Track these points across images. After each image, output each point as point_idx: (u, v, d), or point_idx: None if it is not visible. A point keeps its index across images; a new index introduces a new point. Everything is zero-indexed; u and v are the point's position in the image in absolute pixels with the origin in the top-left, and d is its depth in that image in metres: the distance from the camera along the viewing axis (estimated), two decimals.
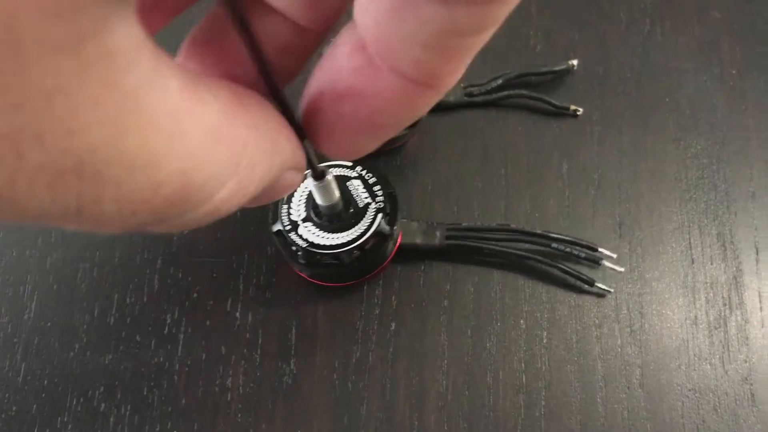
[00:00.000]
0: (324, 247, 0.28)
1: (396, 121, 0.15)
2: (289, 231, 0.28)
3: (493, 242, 0.31)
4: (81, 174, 0.10)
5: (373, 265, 0.30)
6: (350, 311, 0.31)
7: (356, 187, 0.29)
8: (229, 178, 0.13)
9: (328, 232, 0.28)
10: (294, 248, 0.28)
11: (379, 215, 0.28)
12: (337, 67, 0.15)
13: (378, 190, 0.29)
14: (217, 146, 0.12)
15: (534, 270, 0.32)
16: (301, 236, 0.28)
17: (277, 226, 0.28)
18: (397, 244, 0.30)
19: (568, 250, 0.31)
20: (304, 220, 0.28)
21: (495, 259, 0.32)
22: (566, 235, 0.31)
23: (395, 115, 0.15)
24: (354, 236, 0.28)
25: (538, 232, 0.31)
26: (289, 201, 0.29)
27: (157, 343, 0.30)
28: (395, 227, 0.29)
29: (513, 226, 0.31)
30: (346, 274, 0.29)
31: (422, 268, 0.32)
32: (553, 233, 0.31)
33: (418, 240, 0.30)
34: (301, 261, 0.28)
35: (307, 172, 0.26)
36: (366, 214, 0.28)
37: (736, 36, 0.37)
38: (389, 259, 0.30)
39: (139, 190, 0.11)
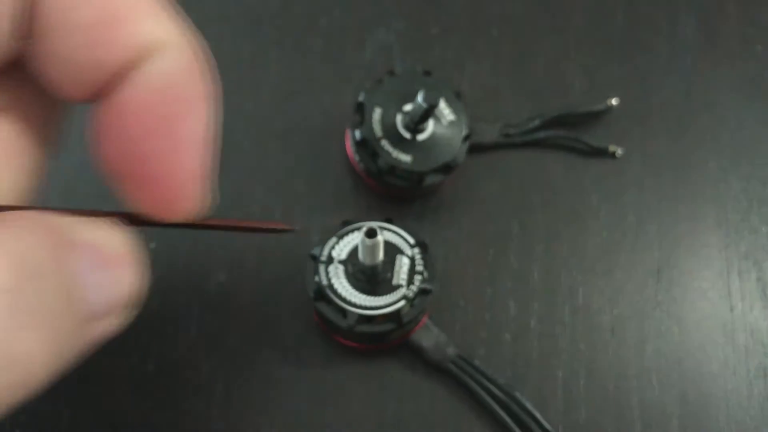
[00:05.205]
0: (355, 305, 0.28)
1: None
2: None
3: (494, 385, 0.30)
4: None
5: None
6: (387, 361, 0.30)
7: (402, 265, 0.28)
8: None
9: (355, 289, 0.28)
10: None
11: (403, 302, 0.28)
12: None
13: (417, 278, 0.28)
14: None
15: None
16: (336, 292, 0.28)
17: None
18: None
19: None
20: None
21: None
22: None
23: None
24: (370, 304, 0.28)
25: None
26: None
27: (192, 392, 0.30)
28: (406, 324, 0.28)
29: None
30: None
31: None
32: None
33: (425, 343, 0.30)
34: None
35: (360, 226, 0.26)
36: (392, 292, 0.28)
37: None
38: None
39: None
